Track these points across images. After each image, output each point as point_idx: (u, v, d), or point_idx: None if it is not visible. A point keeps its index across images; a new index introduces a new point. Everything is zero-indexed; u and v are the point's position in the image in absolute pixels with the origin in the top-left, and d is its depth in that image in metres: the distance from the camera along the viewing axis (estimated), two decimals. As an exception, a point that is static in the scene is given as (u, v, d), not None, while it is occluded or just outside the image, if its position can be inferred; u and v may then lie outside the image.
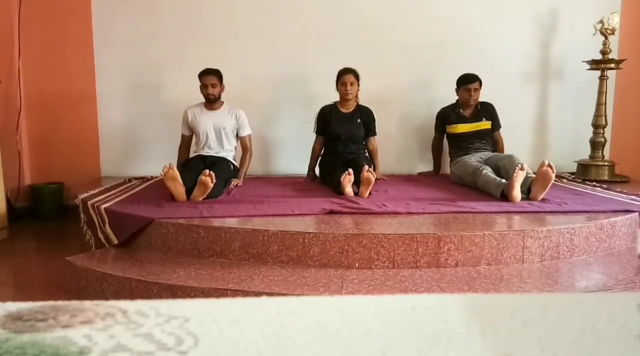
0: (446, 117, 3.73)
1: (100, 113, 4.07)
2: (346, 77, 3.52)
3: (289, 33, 4.02)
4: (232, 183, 3.36)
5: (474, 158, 3.45)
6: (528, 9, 4.10)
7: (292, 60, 4.04)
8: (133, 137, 4.09)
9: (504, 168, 3.19)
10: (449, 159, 3.85)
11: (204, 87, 3.45)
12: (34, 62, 3.98)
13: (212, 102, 3.49)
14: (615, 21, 3.71)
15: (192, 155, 3.59)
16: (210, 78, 3.42)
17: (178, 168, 3.15)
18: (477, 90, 3.58)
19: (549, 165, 2.77)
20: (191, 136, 3.60)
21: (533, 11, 4.11)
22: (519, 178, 2.84)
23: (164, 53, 4.01)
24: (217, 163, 3.33)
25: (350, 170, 3.01)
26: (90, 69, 4.00)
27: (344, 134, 3.56)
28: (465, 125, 3.64)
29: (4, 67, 3.85)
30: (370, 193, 3.03)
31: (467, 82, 3.57)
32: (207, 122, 3.49)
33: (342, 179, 2.98)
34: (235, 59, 4.01)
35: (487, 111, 3.67)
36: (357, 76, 3.55)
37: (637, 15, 4.12)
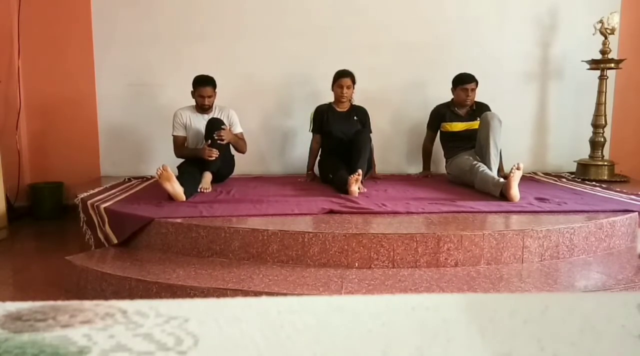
0: (442, 114, 3.70)
1: (100, 112, 4.06)
2: (343, 80, 3.53)
3: (290, 32, 4.01)
4: (219, 133, 3.28)
5: (467, 157, 3.44)
6: (528, 8, 4.10)
7: (294, 59, 4.03)
8: (132, 136, 4.09)
9: (480, 143, 3.38)
10: (442, 160, 3.84)
11: (199, 97, 3.44)
12: (34, 62, 3.98)
13: (205, 110, 3.52)
14: (615, 21, 3.71)
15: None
16: (207, 90, 3.42)
17: (179, 172, 3.23)
18: (473, 90, 3.57)
19: None
20: (186, 137, 3.56)
21: (533, 10, 4.11)
22: (516, 177, 2.85)
23: (164, 53, 4.00)
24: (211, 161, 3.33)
25: (360, 171, 3.05)
26: (90, 69, 4.00)
27: (342, 132, 3.56)
28: (459, 124, 3.63)
29: (3, 67, 3.85)
30: (360, 190, 3.07)
31: (464, 82, 3.56)
32: (201, 125, 3.49)
33: (350, 178, 3.00)
34: (235, 58, 4.01)
35: (482, 111, 3.65)
36: (353, 80, 3.57)
37: (637, 15, 4.12)
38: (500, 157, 3.45)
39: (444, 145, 3.77)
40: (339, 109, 3.65)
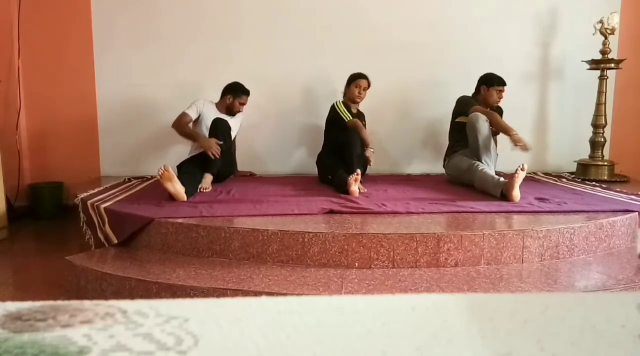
0: (472, 104, 3.50)
1: (100, 112, 4.06)
2: (363, 81, 3.56)
3: (291, 33, 4.01)
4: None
5: (463, 157, 3.41)
6: (528, 8, 4.11)
7: (294, 60, 4.03)
8: (133, 136, 4.08)
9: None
10: (440, 158, 3.80)
11: (240, 105, 3.57)
12: (34, 62, 3.98)
13: (234, 113, 3.62)
14: (615, 21, 3.71)
15: (193, 152, 3.49)
16: (246, 98, 3.59)
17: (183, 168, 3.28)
18: (503, 93, 3.56)
19: None
20: (194, 122, 3.52)
21: (533, 11, 4.11)
22: (519, 178, 2.84)
23: (164, 53, 4.00)
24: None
25: (359, 171, 3.05)
26: (90, 68, 4.00)
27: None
28: None
29: (3, 67, 3.85)
30: (360, 190, 3.08)
31: (500, 84, 3.52)
32: None
33: (349, 178, 2.99)
34: (235, 58, 4.01)
35: (499, 112, 3.65)
36: (369, 84, 3.59)
37: (637, 15, 4.12)
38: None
39: (452, 136, 3.63)
40: (353, 110, 3.64)
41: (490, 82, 3.54)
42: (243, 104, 3.59)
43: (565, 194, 3.15)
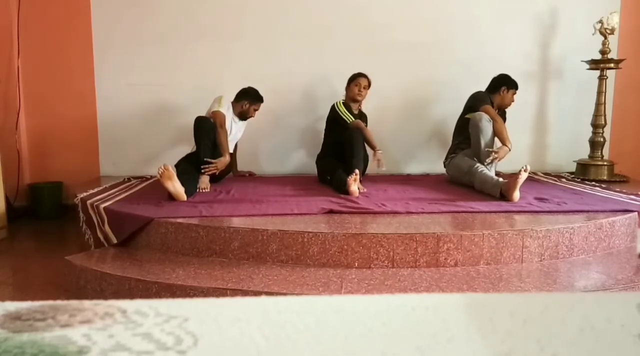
0: (486, 102, 3.45)
1: (100, 112, 4.06)
2: (362, 79, 3.58)
3: (291, 32, 4.01)
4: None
5: (465, 158, 3.40)
6: (528, 8, 4.11)
7: (294, 59, 4.03)
8: (132, 136, 4.08)
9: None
10: (440, 158, 3.79)
11: (254, 111, 3.61)
12: (34, 62, 3.97)
13: (246, 119, 3.66)
14: (614, 21, 3.71)
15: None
16: (260, 106, 3.63)
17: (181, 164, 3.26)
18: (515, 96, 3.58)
19: None
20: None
21: (533, 11, 4.11)
22: (522, 179, 2.84)
23: (164, 53, 4.00)
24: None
25: (357, 171, 3.05)
26: (90, 68, 4.00)
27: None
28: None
29: (3, 66, 3.84)
30: (360, 190, 3.08)
31: (517, 87, 3.53)
32: (233, 132, 3.57)
33: (348, 179, 2.99)
34: (235, 58, 4.01)
35: (504, 114, 3.65)
36: (369, 82, 3.60)
37: (637, 15, 4.12)
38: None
39: (459, 133, 3.57)
40: (354, 110, 3.63)
41: (511, 84, 3.54)
42: (256, 111, 3.63)
43: (565, 194, 3.15)
